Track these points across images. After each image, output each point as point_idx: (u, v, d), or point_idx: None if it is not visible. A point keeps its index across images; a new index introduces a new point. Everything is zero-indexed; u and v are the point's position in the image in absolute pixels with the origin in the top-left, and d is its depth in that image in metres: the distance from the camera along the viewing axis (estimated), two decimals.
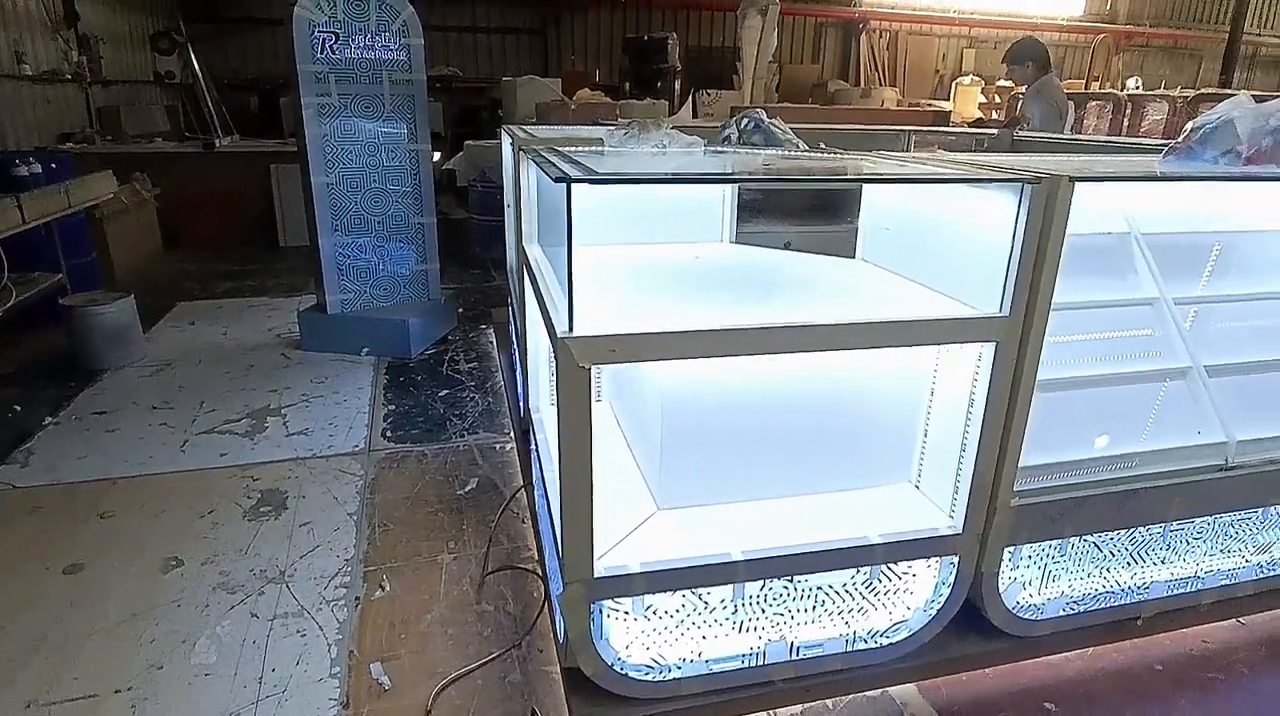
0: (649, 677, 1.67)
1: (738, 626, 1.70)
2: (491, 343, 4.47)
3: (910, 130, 4.39)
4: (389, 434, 3.28)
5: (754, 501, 1.88)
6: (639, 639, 1.66)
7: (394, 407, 3.54)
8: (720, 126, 2.88)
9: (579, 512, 1.47)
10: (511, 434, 3.27)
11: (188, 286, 5.61)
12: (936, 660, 1.87)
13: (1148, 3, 14.63)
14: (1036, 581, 1.89)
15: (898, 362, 1.81)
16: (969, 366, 1.68)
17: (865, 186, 2.09)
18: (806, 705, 1.82)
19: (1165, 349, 2.04)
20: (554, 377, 1.44)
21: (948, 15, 13.40)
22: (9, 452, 3.05)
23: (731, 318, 1.50)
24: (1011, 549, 1.80)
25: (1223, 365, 2.04)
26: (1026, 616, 1.89)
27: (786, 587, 1.70)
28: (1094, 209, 2.16)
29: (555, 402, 1.46)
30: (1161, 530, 1.94)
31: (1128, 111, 5.52)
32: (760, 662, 1.73)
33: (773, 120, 2.77)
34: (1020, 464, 1.75)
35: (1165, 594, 2.02)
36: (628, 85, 10.34)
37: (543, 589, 2.22)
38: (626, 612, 1.62)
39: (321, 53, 3.81)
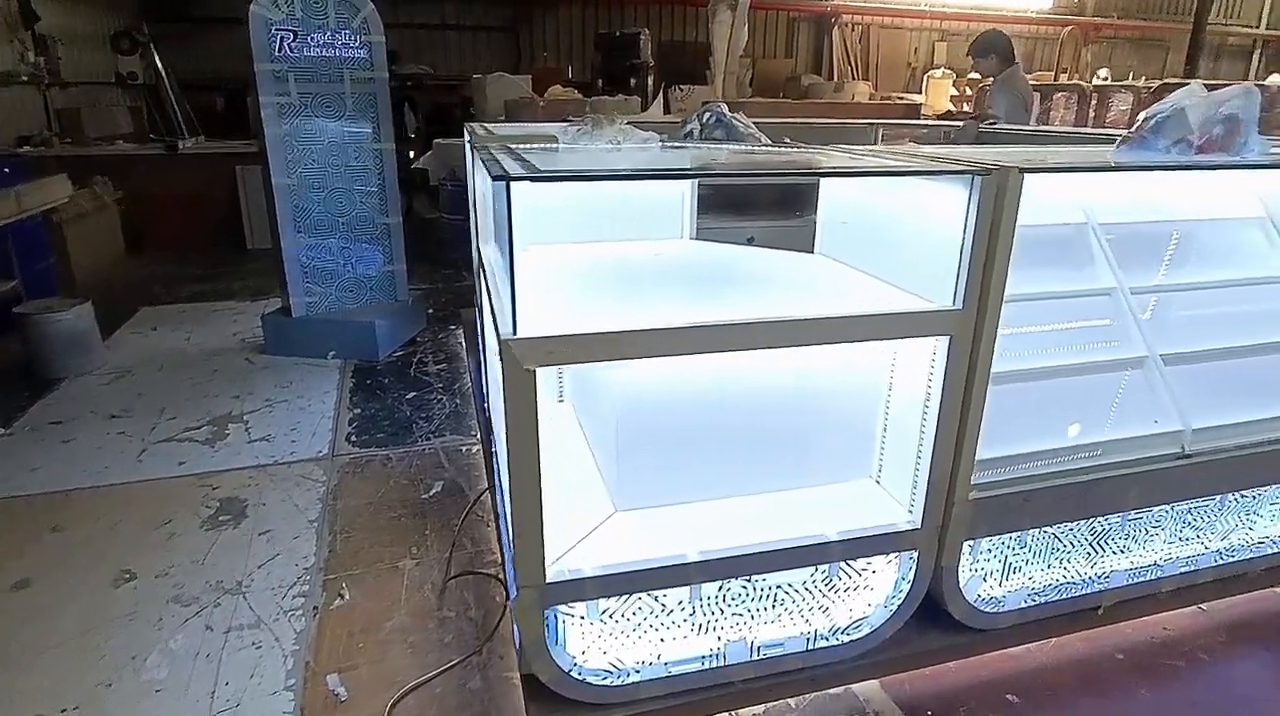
0: (607, 682, 1.65)
1: (697, 627, 1.68)
2: (461, 343, 4.42)
3: (879, 123, 4.38)
4: (353, 438, 3.23)
5: (714, 500, 1.86)
6: (596, 643, 1.63)
7: (359, 412, 3.49)
8: (682, 122, 2.86)
9: (528, 518, 1.44)
10: (478, 435, 3.23)
11: (152, 291, 5.50)
12: (899, 655, 1.87)
13: None
14: (997, 574, 1.89)
15: (856, 357, 1.80)
16: (925, 360, 1.67)
17: (822, 181, 2.07)
18: (769, 705, 1.81)
19: (1123, 339, 2.05)
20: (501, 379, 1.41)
21: (919, 9, 13.46)
22: None
23: (683, 315, 1.48)
24: (971, 542, 1.79)
25: (1178, 354, 2.05)
26: (987, 609, 1.89)
27: (745, 587, 1.69)
28: (1051, 200, 2.17)
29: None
30: (1120, 520, 1.95)
31: (1093, 102, 5.57)
32: (720, 663, 1.71)
33: (735, 115, 2.75)
34: (977, 457, 1.74)
35: (1125, 583, 2.02)
36: (600, 82, 10.29)
37: (505, 593, 2.19)
38: (582, 617, 1.60)
39: (280, 51, 3.75)
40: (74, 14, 8.55)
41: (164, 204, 6.58)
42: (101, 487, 2.83)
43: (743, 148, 2.37)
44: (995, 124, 4.09)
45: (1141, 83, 6.33)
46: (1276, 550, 2.18)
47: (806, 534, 1.67)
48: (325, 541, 2.50)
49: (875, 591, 1.80)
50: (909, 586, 1.78)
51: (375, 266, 4.33)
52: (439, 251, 6.37)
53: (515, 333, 1.36)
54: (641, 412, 1.76)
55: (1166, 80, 6.31)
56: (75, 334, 3.84)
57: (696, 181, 2.30)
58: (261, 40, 3.68)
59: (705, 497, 1.87)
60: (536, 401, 1.38)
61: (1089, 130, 3.98)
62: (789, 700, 1.83)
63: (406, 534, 2.54)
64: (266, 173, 3.90)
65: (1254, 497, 2.11)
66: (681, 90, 9.08)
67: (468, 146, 2.93)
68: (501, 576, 2.26)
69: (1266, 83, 5.04)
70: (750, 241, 2.75)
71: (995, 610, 1.90)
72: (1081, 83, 6.33)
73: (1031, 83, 9.10)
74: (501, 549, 2.31)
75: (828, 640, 1.79)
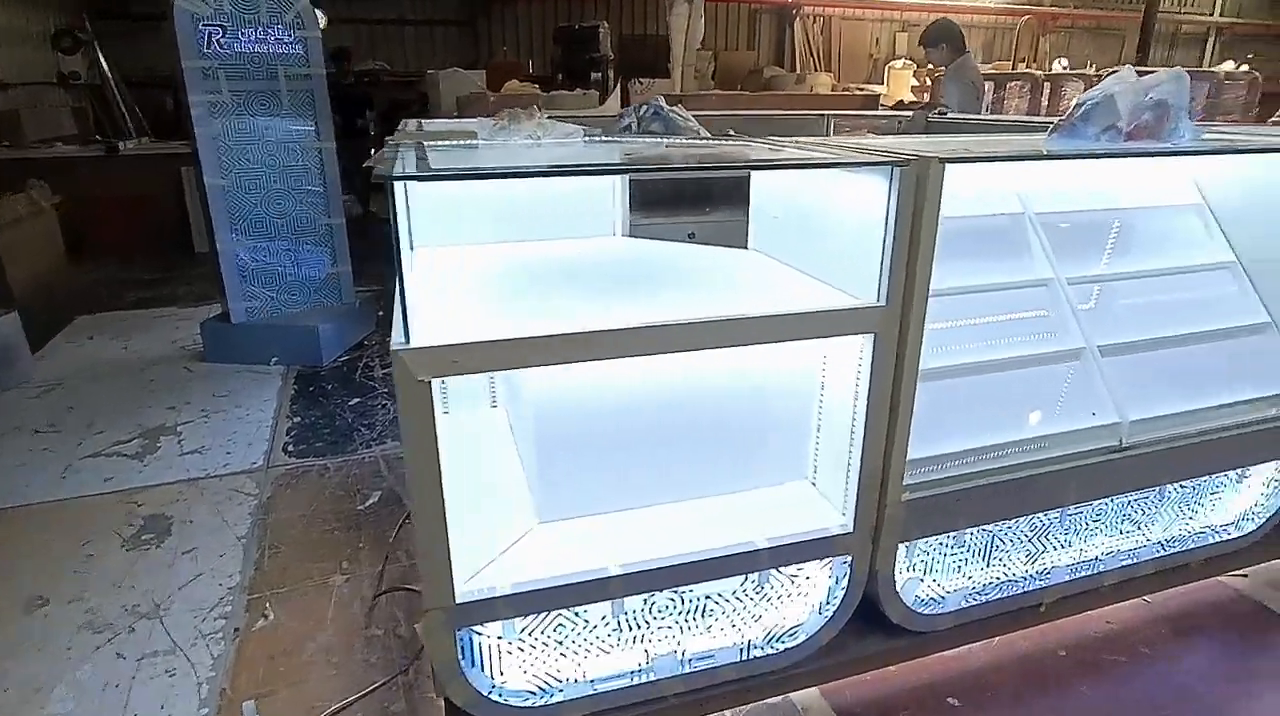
0: (529, 703, 1.58)
1: (622, 642, 1.61)
2: None
3: (829, 115, 4.34)
4: (290, 448, 3.12)
5: (645, 508, 1.79)
6: (515, 663, 1.56)
7: (299, 420, 3.38)
8: (619, 115, 2.79)
9: (432, 538, 1.36)
10: None
11: (91, 298, 5.30)
12: (837, 662, 1.82)
13: None
14: (934, 575, 1.84)
15: (787, 356, 1.74)
16: (853, 358, 1.62)
17: (752, 175, 2.01)
18: None
19: (1061, 330, 2.01)
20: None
21: (880, 0, 13.49)
22: None
23: (596, 318, 1.41)
24: (906, 544, 1.75)
25: (1115, 344, 2.02)
26: (926, 611, 1.85)
27: (673, 599, 1.62)
28: (989, 189, 2.13)
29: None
30: (1059, 515, 1.92)
31: (1046, 91, 5.59)
32: (650, 678, 1.64)
33: (673, 108, 2.68)
34: (911, 457, 1.69)
35: (1067, 578, 1.99)
36: (561, 76, 10.16)
37: None
38: (499, 637, 1.52)
39: (208, 47, 3.61)
40: (11, 12, 8.24)
41: (106, 207, 6.37)
42: (20, 508, 2.70)
43: (679, 141, 2.30)
44: (944, 113, 4.07)
45: (1093, 71, 6.37)
46: (1218, 539, 2.16)
47: (735, 542, 1.60)
48: (252, 558, 2.39)
49: (810, 597, 1.74)
50: (844, 591, 1.73)
51: (319, 268, 4.20)
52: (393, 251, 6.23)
53: (408, 342, 1.27)
54: (563, 419, 1.68)
55: (1117, 68, 6.33)
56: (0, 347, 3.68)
57: (627, 177, 2.22)
58: (188, 36, 3.54)
59: (635, 506, 1.80)
60: (433, 415, 1.30)
61: (1037, 118, 3.96)
62: (724, 712, 1.77)
63: (339, 548, 2.44)
64: (200, 174, 3.76)
65: (1193, 488, 2.09)
66: (641, 84, 9.01)
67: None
68: None
69: (1215, 69, 5.07)
70: (691, 237, 2.68)
71: (934, 611, 1.86)
72: (1034, 72, 6.37)
73: (990, 72, 9.15)
74: None
75: (762, 649, 1.73)
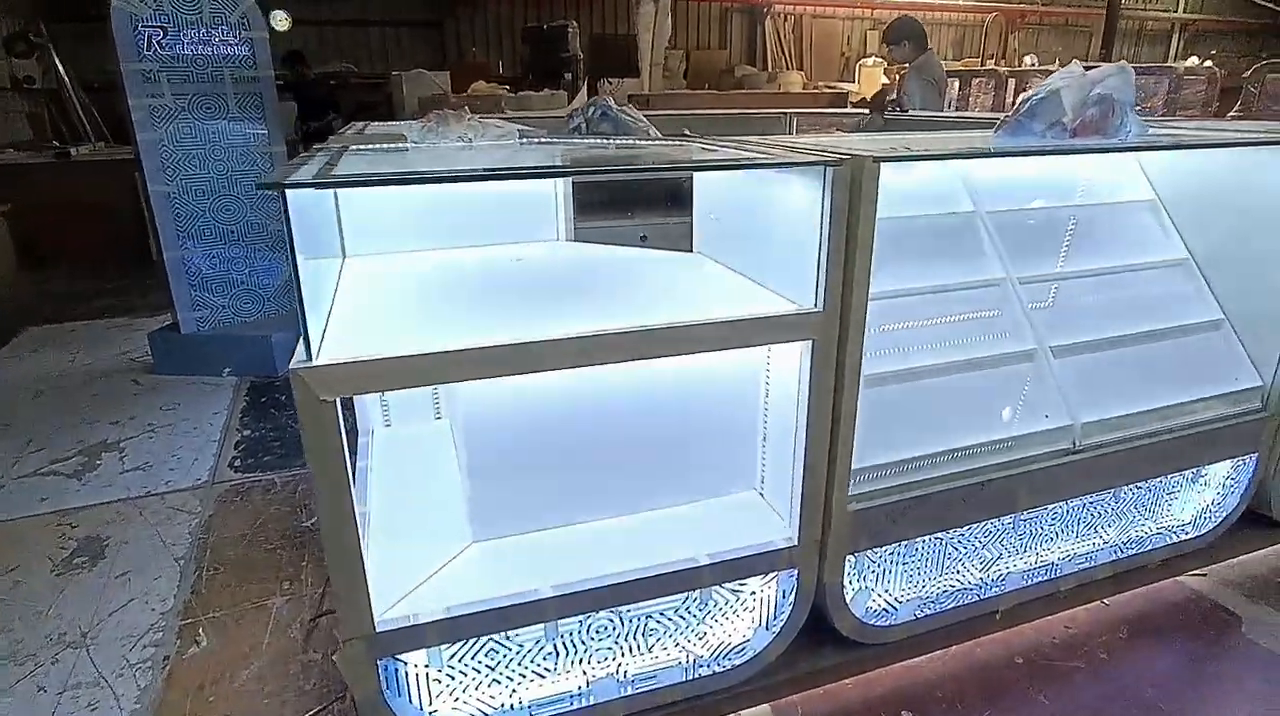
0: None
1: (559, 666, 1.55)
2: None
3: (793, 113, 4.30)
4: (237, 463, 3.02)
5: (586, 523, 1.73)
6: (445, 692, 1.49)
7: (249, 433, 3.27)
8: (568, 116, 2.71)
9: (344, 566, 1.29)
10: None
11: (41, 309, 5.14)
12: (788, 677, 1.76)
13: None
14: (886, 586, 1.79)
15: (730, 363, 1.68)
16: (794, 365, 1.56)
17: (696, 176, 1.95)
18: None
19: (1013, 331, 1.97)
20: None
21: None
22: None
23: (520, 330, 1.33)
24: (854, 555, 1.69)
25: (1068, 345, 1.98)
26: (879, 623, 1.80)
27: (611, 620, 1.56)
28: (942, 188, 2.08)
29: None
30: (1012, 520, 1.87)
31: (1011, 87, 5.59)
32: (589, 702, 1.58)
33: (623, 108, 2.61)
34: (857, 466, 1.64)
35: (1023, 584, 1.95)
36: (530, 76, 10.06)
37: None
38: (426, 666, 1.45)
39: (149, 49, 3.49)
40: None
41: (59, 215, 6.19)
42: None
43: (624, 141, 2.23)
44: (899, 112, 4.04)
45: (1055, 66, 6.40)
46: (1175, 540, 2.14)
47: (675, 559, 1.54)
48: (189, 581, 2.30)
49: (756, 613, 1.68)
50: (791, 606, 1.68)
51: (273, 276, 4.09)
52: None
53: (310, 359, 1.20)
54: (497, 432, 1.62)
55: (1085, 65, 6.36)
56: None
57: (570, 180, 2.15)
58: (126, 37, 3.42)
59: (577, 521, 1.74)
60: (340, 436, 1.22)
61: (1001, 115, 3.93)
62: None
63: (280, 567, 2.35)
64: (143, 180, 3.64)
65: (1149, 488, 2.06)
66: (611, 84, 8.93)
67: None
68: None
69: (1174, 65, 5.09)
70: (644, 240, 2.63)
71: (887, 623, 1.81)
72: (998, 68, 6.38)
73: (959, 69, 9.17)
74: None
75: (709, 667, 1.67)
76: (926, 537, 1.78)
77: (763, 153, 1.51)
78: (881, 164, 1.37)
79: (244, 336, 3.92)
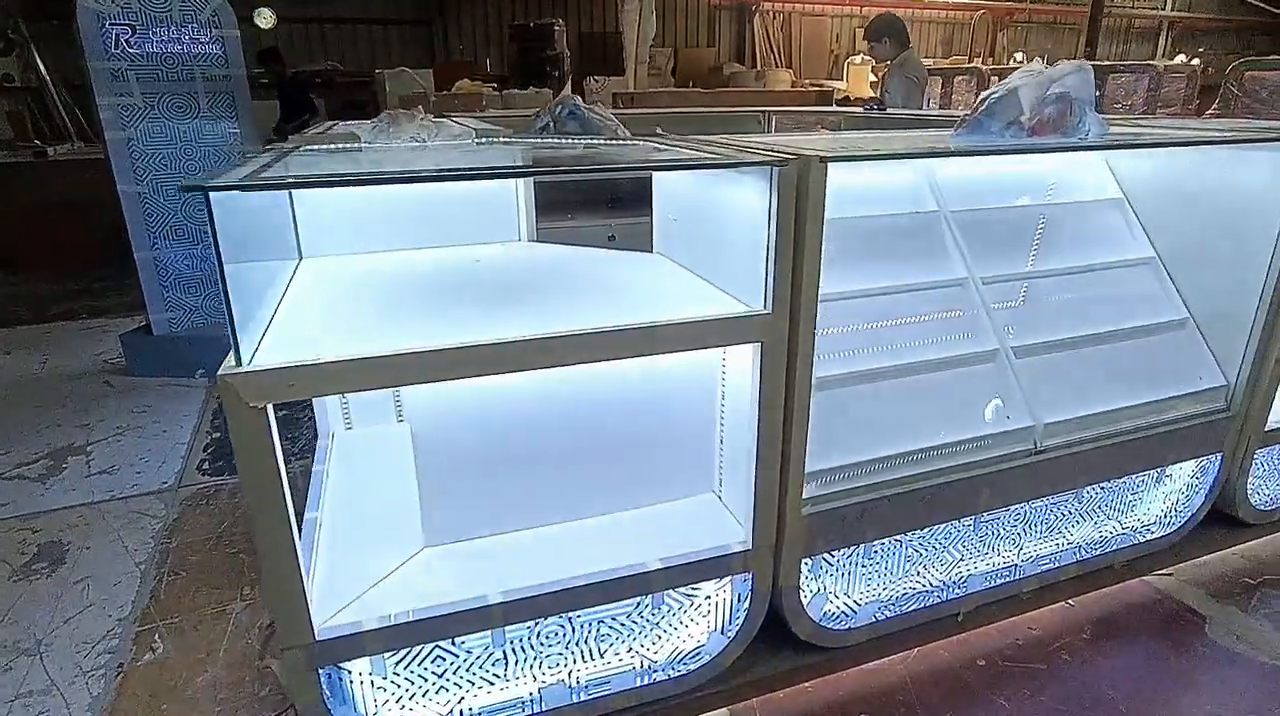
0: None
1: (508, 673, 1.53)
2: None
3: (771, 111, 4.28)
4: (206, 467, 2.99)
5: (541, 528, 1.72)
6: (391, 700, 1.46)
7: (219, 436, 3.24)
8: (535, 115, 2.69)
9: (279, 575, 1.26)
10: None
11: (16, 311, 5.10)
12: (745, 681, 1.75)
13: None
14: (844, 589, 1.78)
15: (687, 365, 1.67)
16: (747, 368, 1.54)
17: (654, 176, 1.92)
18: None
19: (976, 332, 1.96)
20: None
21: None
22: None
23: (466, 333, 1.31)
24: (810, 559, 1.68)
25: (1031, 345, 1.97)
26: (837, 626, 1.78)
27: (561, 626, 1.54)
28: (904, 186, 2.07)
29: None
30: (973, 522, 1.86)
31: (991, 84, 5.58)
32: (540, 709, 1.56)
33: (592, 107, 2.59)
34: (811, 468, 1.62)
35: (984, 586, 1.94)
36: (518, 74, 10.04)
37: None
38: (370, 674, 1.43)
39: (116, 47, 3.45)
40: None
41: (36, 215, 6.13)
42: None
43: (590, 140, 2.21)
44: (874, 109, 4.03)
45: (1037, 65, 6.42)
46: (1140, 540, 2.13)
47: (626, 564, 1.52)
48: (149, 587, 2.27)
49: (711, 617, 1.67)
50: (746, 610, 1.66)
51: None
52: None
53: (239, 365, 1.18)
54: (444, 435, 1.60)
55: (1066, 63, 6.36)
56: None
57: (531, 181, 2.13)
58: (93, 36, 3.38)
59: (532, 525, 1.72)
60: (273, 442, 1.20)
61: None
62: None
63: (243, 573, 2.32)
64: (113, 180, 3.60)
65: (1113, 489, 2.05)
66: (597, 82, 8.92)
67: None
68: None
69: (1157, 62, 5.09)
70: (612, 239, 2.61)
71: (846, 626, 1.79)
72: (980, 67, 6.37)
73: (945, 67, 9.17)
74: None
75: (664, 672, 1.66)
76: (885, 540, 1.76)
77: (712, 152, 1.49)
78: (829, 164, 1.35)
79: (217, 337, 3.85)
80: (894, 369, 1.82)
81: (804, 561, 1.67)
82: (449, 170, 1.31)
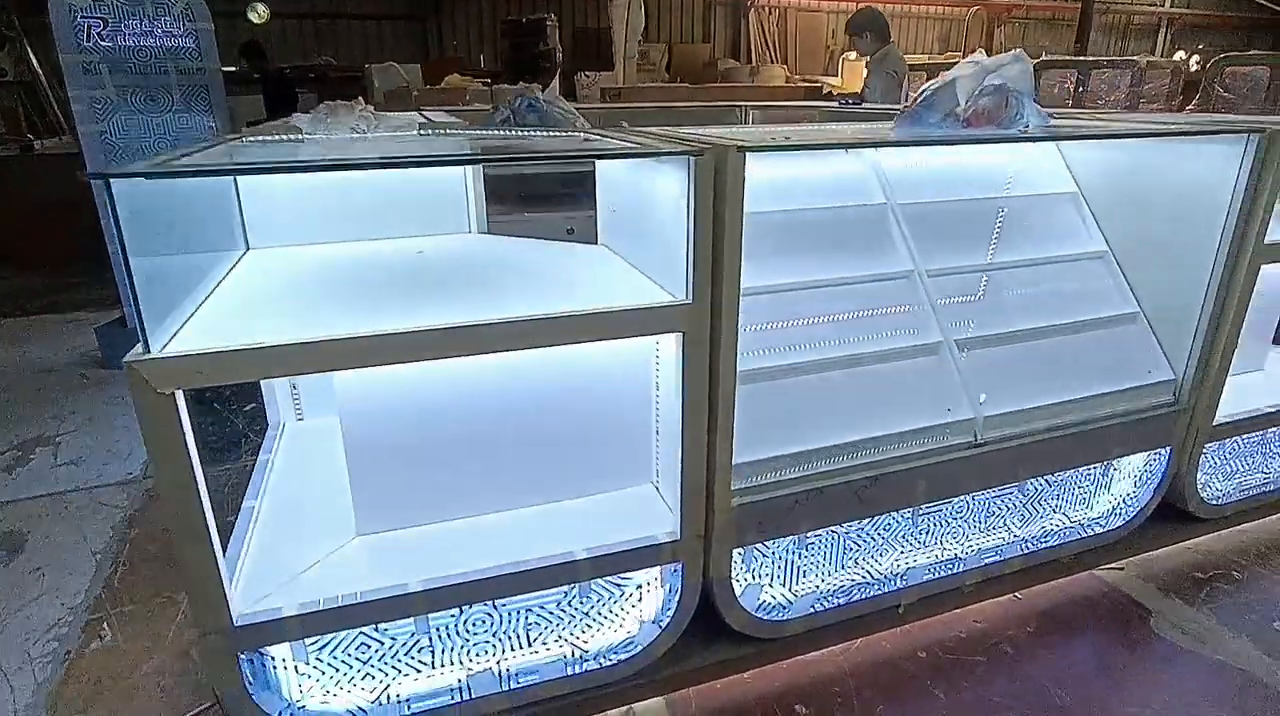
0: None
1: (435, 661, 1.53)
2: None
3: (748, 106, 4.28)
4: None
5: (476, 517, 1.72)
6: (316, 685, 1.48)
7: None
8: (494, 108, 2.70)
9: (195, 562, 1.27)
10: None
11: None
12: (680, 671, 1.75)
13: None
14: (780, 580, 1.78)
15: (622, 356, 1.67)
16: (674, 358, 1.55)
17: (598, 168, 1.93)
18: None
19: (921, 325, 1.96)
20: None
21: None
22: None
23: (392, 321, 1.31)
24: (742, 550, 1.68)
25: (974, 338, 1.97)
26: (772, 617, 1.79)
27: (488, 614, 1.54)
28: (852, 178, 2.07)
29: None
30: (911, 514, 1.86)
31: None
32: (468, 696, 1.57)
33: (553, 100, 2.59)
34: (743, 460, 1.63)
35: (926, 578, 1.94)
36: (510, 70, 10.02)
37: None
38: (292, 659, 1.44)
39: (88, 40, 3.45)
40: None
41: (24, 210, 6.14)
42: None
43: (539, 133, 2.22)
44: (850, 104, 4.02)
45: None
46: (1087, 534, 2.13)
47: (551, 553, 1.53)
48: (104, 575, 2.28)
49: (643, 606, 1.68)
50: (678, 600, 1.66)
51: None
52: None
53: (148, 352, 1.18)
54: (374, 425, 1.60)
55: (1049, 58, 6.35)
56: None
57: (481, 173, 2.14)
58: (65, 28, 3.38)
59: (469, 515, 1.73)
60: (183, 429, 1.21)
61: None
62: None
63: None
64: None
65: (1059, 482, 2.05)
66: (587, 77, 8.91)
67: None
68: None
69: (1138, 58, 5.08)
70: (571, 232, 2.61)
71: (780, 617, 1.80)
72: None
73: (940, 62, 9.13)
74: None
75: (595, 661, 1.66)
76: (821, 532, 1.77)
77: (636, 143, 1.49)
78: (746, 154, 1.35)
79: None
80: (833, 361, 1.82)
81: (735, 552, 1.67)
82: (350, 160, 1.32)
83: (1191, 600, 2.13)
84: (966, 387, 1.90)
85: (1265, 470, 2.35)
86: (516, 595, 1.52)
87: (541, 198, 2.72)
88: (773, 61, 12.68)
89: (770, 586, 1.77)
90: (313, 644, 1.43)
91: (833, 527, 1.77)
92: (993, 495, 1.96)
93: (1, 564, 2.35)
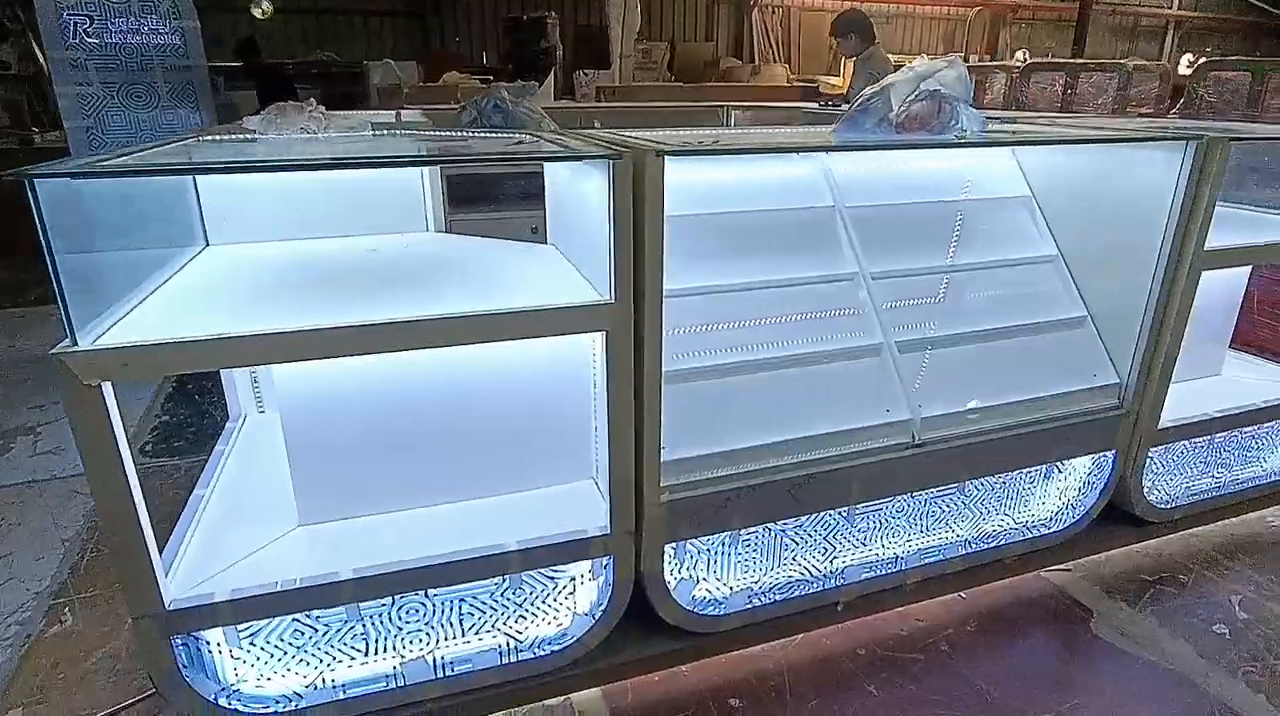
0: (268, 710, 1.54)
1: (367, 648, 1.58)
2: None
3: (730, 106, 4.31)
4: (149, 448, 3.06)
5: (417, 510, 1.77)
6: (250, 670, 1.52)
7: (167, 418, 3.32)
8: (460, 108, 2.73)
9: (125, 547, 1.32)
10: None
11: None
12: (616, 663, 1.79)
13: None
14: (715, 575, 1.82)
15: (563, 353, 1.71)
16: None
17: (546, 169, 1.97)
18: None
19: (862, 326, 1.99)
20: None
21: None
22: None
23: (327, 317, 1.35)
24: (673, 545, 1.72)
25: (915, 340, 2.00)
26: (708, 612, 1.82)
27: (422, 604, 1.59)
28: (801, 181, 2.10)
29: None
30: (848, 513, 1.89)
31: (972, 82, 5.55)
32: (401, 684, 1.61)
33: (520, 102, 2.63)
34: (675, 456, 1.66)
35: (865, 576, 1.97)
36: (511, 67, 10.07)
37: None
38: (224, 643, 1.48)
39: (75, 37, 3.52)
40: None
41: (18, 202, 6.22)
42: None
43: (517, 135, 2.25)
44: (831, 105, 4.04)
45: (1013, 62, 6.38)
46: (1031, 536, 2.15)
47: (482, 545, 1.57)
48: (70, 562, 2.34)
49: (576, 599, 1.71)
50: (610, 593, 1.70)
51: None
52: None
53: (76, 344, 1.23)
54: (315, 417, 1.65)
55: (1036, 60, 6.34)
56: None
57: (439, 172, 2.17)
58: (51, 25, 3.46)
59: (412, 507, 1.77)
60: (110, 420, 1.25)
61: None
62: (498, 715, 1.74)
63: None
64: None
65: (1001, 483, 2.08)
66: (586, 75, 8.95)
67: None
68: None
69: (1126, 61, 5.07)
70: (534, 231, 2.65)
71: (716, 613, 1.83)
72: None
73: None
74: None
75: (529, 651, 1.70)
76: (757, 529, 1.80)
77: (563, 147, 1.53)
78: (665, 158, 1.39)
79: None
80: (772, 361, 1.86)
81: (668, 547, 1.71)
82: (276, 160, 1.37)
83: (1134, 602, 2.16)
84: (906, 389, 1.93)
85: (1215, 475, 2.37)
86: (448, 585, 1.56)
87: (508, 198, 2.76)
88: (775, 61, 12.67)
89: (705, 581, 1.81)
90: (245, 629, 1.48)
91: (768, 525, 1.81)
92: (933, 495, 1.99)
93: None
